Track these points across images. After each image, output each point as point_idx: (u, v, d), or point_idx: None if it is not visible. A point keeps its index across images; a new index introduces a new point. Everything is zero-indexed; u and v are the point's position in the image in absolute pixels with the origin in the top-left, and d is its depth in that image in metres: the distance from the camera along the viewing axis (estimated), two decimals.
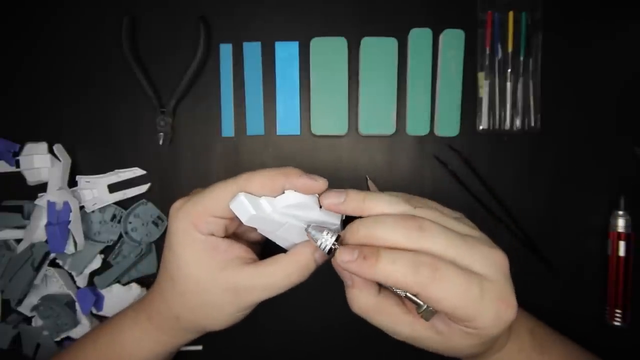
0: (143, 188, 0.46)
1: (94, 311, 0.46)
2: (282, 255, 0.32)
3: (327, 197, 0.30)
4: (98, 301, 0.46)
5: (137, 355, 0.36)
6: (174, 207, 0.32)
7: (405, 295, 0.28)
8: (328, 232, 0.30)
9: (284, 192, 0.30)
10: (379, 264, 0.26)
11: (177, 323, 0.35)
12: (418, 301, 0.27)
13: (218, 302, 0.32)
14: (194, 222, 0.31)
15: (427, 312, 0.28)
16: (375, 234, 0.28)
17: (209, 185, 0.32)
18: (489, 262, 0.28)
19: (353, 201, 0.29)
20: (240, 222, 0.30)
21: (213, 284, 0.31)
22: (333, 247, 0.29)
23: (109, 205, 0.45)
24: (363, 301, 0.30)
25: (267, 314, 0.46)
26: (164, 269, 0.34)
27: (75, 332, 0.46)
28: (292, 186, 0.29)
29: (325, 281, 0.47)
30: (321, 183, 0.30)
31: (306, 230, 0.31)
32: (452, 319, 0.28)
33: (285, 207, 0.30)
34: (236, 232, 0.35)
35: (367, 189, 0.46)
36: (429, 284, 0.26)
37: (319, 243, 0.30)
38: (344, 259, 0.27)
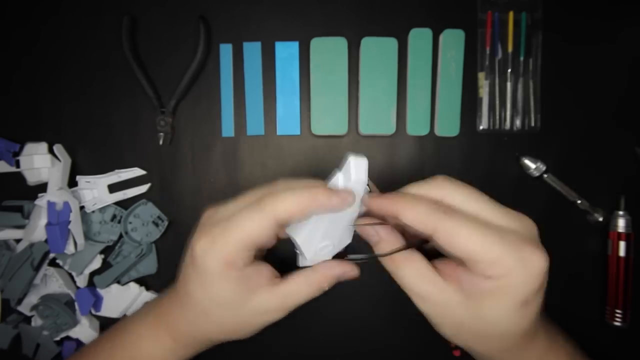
0: (143, 188, 0.46)
1: (93, 312, 0.46)
2: (310, 274, 0.32)
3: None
4: (97, 302, 0.46)
5: None
6: (201, 247, 0.30)
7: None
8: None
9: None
10: (399, 199, 0.28)
11: (208, 342, 0.36)
12: None
13: (249, 323, 0.33)
14: (229, 261, 0.30)
15: None
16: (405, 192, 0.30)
17: (227, 201, 0.33)
18: (514, 219, 0.28)
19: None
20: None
21: (246, 311, 0.32)
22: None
23: (109, 206, 0.45)
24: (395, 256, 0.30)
25: None
26: (194, 303, 0.32)
27: (75, 332, 0.46)
28: (323, 210, 0.29)
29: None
30: (351, 198, 0.30)
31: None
32: (473, 269, 0.27)
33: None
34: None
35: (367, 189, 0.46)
36: (445, 220, 0.26)
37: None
38: (368, 200, 0.30)
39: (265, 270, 0.32)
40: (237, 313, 0.32)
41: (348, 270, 0.33)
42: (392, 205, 0.29)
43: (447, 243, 0.27)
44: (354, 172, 0.30)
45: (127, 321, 0.39)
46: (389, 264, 0.30)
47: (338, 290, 0.46)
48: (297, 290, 0.32)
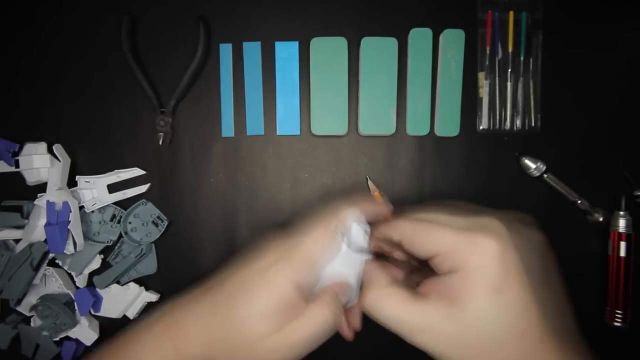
0: (143, 188, 0.46)
1: (92, 312, 0.46)
2: (315, 304, 0.32)
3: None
4: (96, 302, 0.46)
5: None
6: (271, 259, 0.31)
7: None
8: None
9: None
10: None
11: None
12: None
13: (262, 357, 0.31)
14: (298, 277, 0.30)
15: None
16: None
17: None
18: (476, 219, 0.29)
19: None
20: None
21: (261, 344, 0.30)
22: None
23: (108, 206, 0.45)
24: (374, 293, 0.31)
25: None
26: (228, 306, 0.31)
27: (74, 332, 0.45)
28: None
29: None
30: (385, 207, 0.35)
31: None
32: (438, 269, 0.29)
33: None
34: None
35: (368, 189, 0.46)
36: (406, 226, 0.31)
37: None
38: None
39: (302, 307, 0.31)
40: (255, 343, 0.30)
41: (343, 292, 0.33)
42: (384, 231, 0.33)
43: (409, 245, 0.30)
44: (355, 239, 0.32)
45: (135, 330, 0.38)
46: (368, 309, 0.31)
47: None
48: (300, 324, 0.31)
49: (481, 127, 0.46)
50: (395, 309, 0.29)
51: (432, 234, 0.29)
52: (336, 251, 0.32)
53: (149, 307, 0.47)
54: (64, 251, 0.42)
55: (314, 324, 0.31)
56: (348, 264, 0.32)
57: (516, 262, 0.27)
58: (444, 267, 0.28)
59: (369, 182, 0.46)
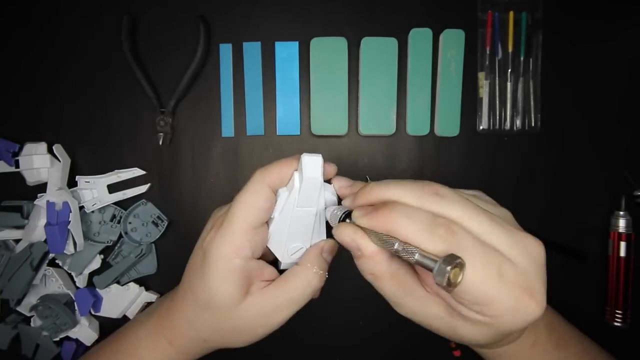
0: (143, 188, 0.46)
1: (92, 312, 0.46)
2: (296, 267, 0.32)
3: (340, 180, 0.32)
4: (96, 302, 0.46)
5: None
6: (209, 238, 0.31)
7: (416, 260, 0.24)
8: (339, 208, 0.30)
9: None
10: (392, 215, 0.24)
11: (204, 344, 0.35)
12: (430, 263, 0.23)
13: (249, 325, 0.32)
14: (237, 245, 0.30)
15: (444, 274, 0.22)
16: (389, 194, 0.26)
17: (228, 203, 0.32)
18: (518, 245, 0.24)
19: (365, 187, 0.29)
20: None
21: (245, 311, 0.31)
22: (344, 216, 0.29)
23: (108, 206, 0.45)
24: (374, 267, 0.27)
25: None
26: (194, 298, 0.33)
27: (74, 332, 0.45)
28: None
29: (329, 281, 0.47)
30: (333, 166, 0.32)
31: (325, 210, 0.32)
32: (463, 301, 0.24)
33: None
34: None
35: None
36: (443, 247, 0.23)
37: (330, 215, 0.31)
38: (355, 215, 0.26)
39: (268, 271, 0.32)
40: (235, 312, 0.31)
41: (327, 247, 0.33)
42: (380, 217, 0.25)
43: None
44: (307, 169, 0.30)
45: (129, 325, 0.39)
46: (376, 279, 0.28)
47: (337, 290, 0.46)
48: (288, 287, 0.32)
49: (481, 127, 0.46)
50: (395, 289, 0.27)
51: (475, 276, 0.23)
52: (281, 205, 0.31)
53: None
54: (64, 251, 0.42)
55: (296, 287, 0.31)
56: (299, 216, 0.31)
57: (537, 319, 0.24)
58: (470, 305, 0.24)
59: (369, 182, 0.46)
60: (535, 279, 0.24)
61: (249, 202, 0.30)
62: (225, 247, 0.30)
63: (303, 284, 0.31)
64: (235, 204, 0.31)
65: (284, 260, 0.33)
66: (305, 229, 0.32)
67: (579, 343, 0.37)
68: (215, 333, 0.33)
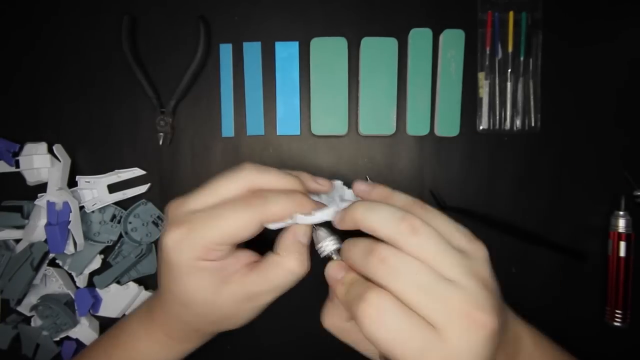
0: (143, 188, 0.46)
1: (92, 312, 0.46)
2: (275, 256, 0.32)
3: (359, 185, 0.34)
4: (96, 303, 0.46)
5: None
6: (173, 239, 0.29)
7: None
8: (332, 239, 0.31)
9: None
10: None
11: (198, 333, 0.35)
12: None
13: (234, 311, 0.32)
14: (202, 255, 0.29)
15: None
16: (368, 221, 0.28)
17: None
18: (462, 268, 0.26)
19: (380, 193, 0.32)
20: None
21: (227, 299, 0.31)
22: (330, 254, 0.31)
23: (108, 206, 0.45)
24: (332, 321, 0.32)
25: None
26: (172, 297, 0.32)
27: (75, 332, 0.46)
28: (307, 211, 0.31)
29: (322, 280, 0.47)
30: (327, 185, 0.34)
31: (314, 228, 0.32)
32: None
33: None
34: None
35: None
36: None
37: (319, 245, 0.31)
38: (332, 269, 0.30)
39: (243, 256, 0.32)
40: (217, 303, 0.31)
41: (301, 231, 0.32)
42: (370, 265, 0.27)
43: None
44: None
45: (125, 320, 0.39)
46: (332, 331, 0.33)
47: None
48: (269, 275, 0.31)
49: (481, 127, 0.46)
50: (350, 341, 0.32)
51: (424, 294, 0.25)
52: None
53: None
54: (64, 251, 0.42)
55: (277, 276, 0.31)
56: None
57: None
58: None
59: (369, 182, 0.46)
60: (479, 296, 0.25)
61: (233, 225, 0.29)
62: (195, 252, 0.29)
63: (284, 272, 0.31)
64: (219, 216, 0.29)
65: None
66: None
67: (562, 355, 0.37)
68: (204, 323, 0.34)
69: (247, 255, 0.32)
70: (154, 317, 0.36)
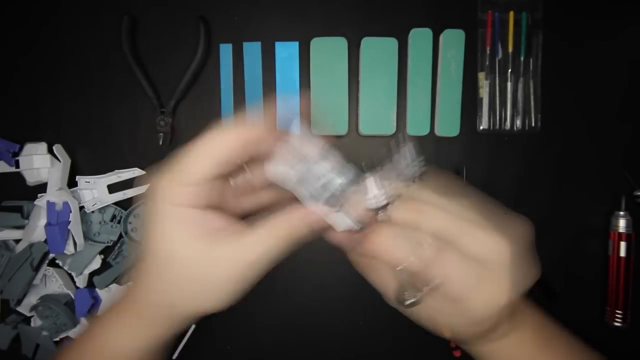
0: (143, 188, 0.46)
1: (92, 312, 0.46)
2: (268, 219, 0.30)
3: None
4: (96, 303, 0.46)
5: (131, 356, 0.35)
6: (156, 188, 0.30)
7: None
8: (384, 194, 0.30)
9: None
10: (378, 238, 0.28)
11: (172, 311, 0.32)
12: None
13: (218, 279, 0.30)
14: (170, 196, 0.29)
15: (410, 299, 0.28)
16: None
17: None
18: (487, 247, 0.28)
19: None
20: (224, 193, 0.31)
21: (212, 261, 0.29)
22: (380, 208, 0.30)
23: (108, 206, 0.45)
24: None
25: (261, 307, 0.46)
26: (153, 255, 0.31)
27: (75, 333, 0.45)
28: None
29: (321, 274, 0.47)
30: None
31: (370, 175, 0.31)
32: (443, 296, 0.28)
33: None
34: (221, 205, 0.32)
35: None
36: (431, 263, 0.27)
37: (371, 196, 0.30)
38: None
39: (225, 217, 0.30)
40: (201, 264, 0.29)
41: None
42: (368, 241, 0.29)
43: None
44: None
45: (92, 326, 0.36)
46: (361, 270, 0.32)
47: (337, 288, 0.46)
48: (249, 240, 0.29)
49: (481, 127, 0.46)
50: (381, 279, 0.31)
51: (457, 277, 0.28)
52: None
53: None
54: (64, 251, 0.42)
55: (277, 236, 0.30)
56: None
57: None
58: (449, 298, 0.28)
59: None
60: (502, 274, 0.28)
61: (194, 170, 0.29)
62: (160, 197, 0.29)
63: (285, 232, 0.30)
64: (182, 163, 0.30)
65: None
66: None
67: (568, 345, 0.37)
68: (180, 291, 0.30)
69: (226, 220, 0.30)
70: (127, 298, 0.33)
